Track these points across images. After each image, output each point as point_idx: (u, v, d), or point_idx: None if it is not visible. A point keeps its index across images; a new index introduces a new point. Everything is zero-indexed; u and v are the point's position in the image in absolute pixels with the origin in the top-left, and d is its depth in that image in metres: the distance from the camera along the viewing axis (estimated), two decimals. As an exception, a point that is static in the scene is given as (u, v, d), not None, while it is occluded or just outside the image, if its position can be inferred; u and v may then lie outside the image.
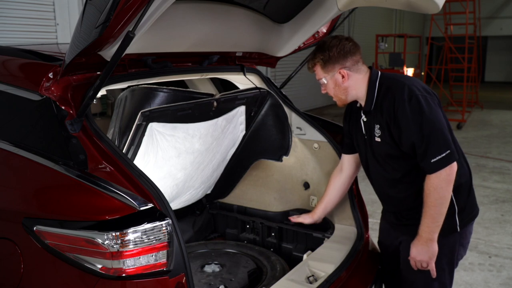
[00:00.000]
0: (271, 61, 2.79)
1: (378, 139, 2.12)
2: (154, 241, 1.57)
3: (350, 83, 2.12)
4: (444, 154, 1.92)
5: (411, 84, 2.02)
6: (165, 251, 1.59)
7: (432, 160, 1.93)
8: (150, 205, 1.58)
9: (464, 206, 2.13)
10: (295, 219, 2.62)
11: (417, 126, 1.95)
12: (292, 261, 2.59)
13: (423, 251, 2.03)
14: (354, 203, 2.57)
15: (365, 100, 2.14)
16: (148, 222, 1.55)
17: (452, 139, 2.02)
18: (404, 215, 2.21)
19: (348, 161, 2.45)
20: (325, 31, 2.64)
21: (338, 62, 2.10)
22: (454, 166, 1.95)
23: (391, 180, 2.17)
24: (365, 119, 2.18)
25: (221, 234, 3.19)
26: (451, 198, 2.04)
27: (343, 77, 2.11)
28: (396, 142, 2.04)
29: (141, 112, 2.08)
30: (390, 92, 2.04)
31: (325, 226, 2.68)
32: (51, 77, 1.83)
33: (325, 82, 2.16)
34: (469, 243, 2.26)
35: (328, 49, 2.10)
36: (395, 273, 2.36)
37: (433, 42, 13.38)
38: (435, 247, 2.02)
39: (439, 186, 1.94)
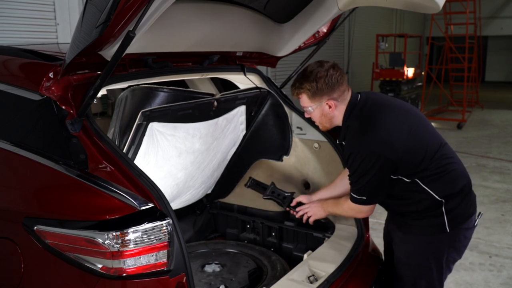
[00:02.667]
0: (271, 61, 2.79)
1: None
2: (154, 241, 1.57)
3: (336, 113, 2.16)
4: (359, 197, 2.12)
5: (370, 140, 2.01)
6: (165, 251, 1.59)
7: (352, 194, 2.15)
8: (150, 205, 1.59)
9: (454, 207, 2.11)
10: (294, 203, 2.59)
11: (352, 168, 2.08)
12: (293, 261, 2.59)
13: (316, 210, 2.44)
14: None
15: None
16: (149, 222, 1.56)
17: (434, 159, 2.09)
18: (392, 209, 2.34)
19: None
20: (325, 30, 2.63)
21: (326, 93, 2.11)
22: (364, 208, 2.16)
23: None
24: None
25: (222, 234, 3.19)
26: (440, 201, 2.08)
27: (330, 107, 2.14)
28: None
29: (142, 112, 2.08)
30: (348, 136, 2.13)
31: (326, 226, 2.68)
32: (52, 76, 1.83)
33: (311, 110, 2.18)
34: (466, 247, 2.24)
35: (316, 80, 2.09)
36: (390, 267, 2.41)
37: (434, 42, 13.35)
38: (320, 214, 2.44)
39: (345, 209, 2.25)
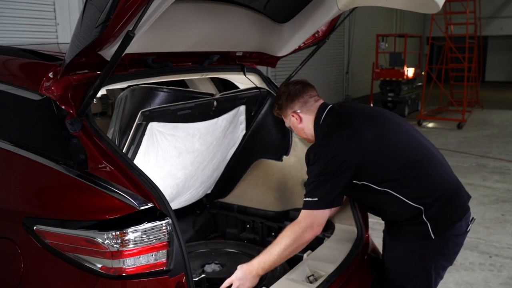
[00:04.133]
0: (271, 60, 2.79)
1: None
2: (154, 241, 1.57)
3: (304, 125, 2.26)
4: (311, 199, 2.04)
5: (326, 143, 2.06)
6: (165, 251, 1.59)
7: (304, 198, 2.07)
8: (150, 205, 1.59)
9: (436, 214, 2.05)
10: None
11: (309, 171, 2.09)
12: (292, 261, 2.58)
13: (245, 279, 2.06)
14: (354, 203, 2.56)
15: None
16: (148, 222, 1.56)
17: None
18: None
19: None
20: (325, 30, 2.63)
21: (288, 106, 2.27)
22: (319, 217, 2.05)
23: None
24: None
25: (221, 233, 3.19)
26: (418, 208, 2.04)
27: (296, 119, 2.27)
28: None
29: (141, 112, 2.08)
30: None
31: (325, 226, 2.67)
32: (51, 76, 1.83)
33: (288, 125, 2.35)
34: (457, 254, 2.19)
35: (279, 97, 2.30)
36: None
37: (434, 42, 13.35)
38: (255, 282, 2.07)
39: (294, 230, 2.04)
